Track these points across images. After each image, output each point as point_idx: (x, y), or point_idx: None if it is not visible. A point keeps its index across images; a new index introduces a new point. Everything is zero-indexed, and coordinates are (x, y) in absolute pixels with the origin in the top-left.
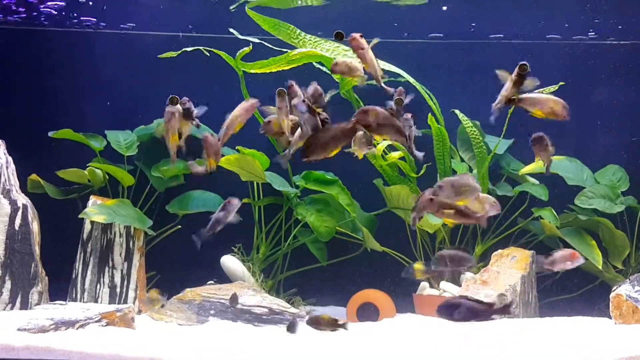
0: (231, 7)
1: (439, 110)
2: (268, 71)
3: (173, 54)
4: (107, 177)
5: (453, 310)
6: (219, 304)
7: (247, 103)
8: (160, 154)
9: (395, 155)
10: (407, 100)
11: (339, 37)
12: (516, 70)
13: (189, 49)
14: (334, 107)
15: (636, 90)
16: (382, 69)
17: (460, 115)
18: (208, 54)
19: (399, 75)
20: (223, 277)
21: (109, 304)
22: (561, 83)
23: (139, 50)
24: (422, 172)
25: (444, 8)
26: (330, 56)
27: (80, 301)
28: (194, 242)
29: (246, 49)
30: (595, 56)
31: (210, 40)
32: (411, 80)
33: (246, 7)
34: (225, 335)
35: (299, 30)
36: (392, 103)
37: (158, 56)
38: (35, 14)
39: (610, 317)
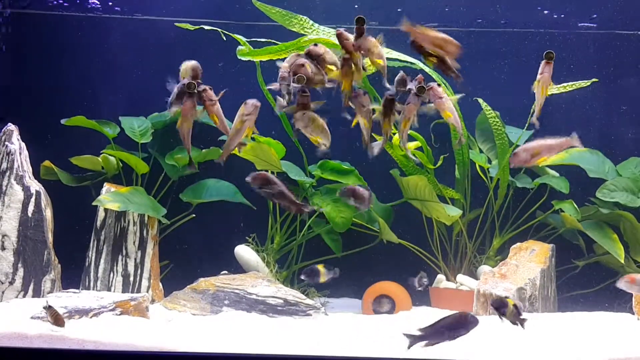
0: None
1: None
2: (276, 58)
3: (190, 27)
4: (120, 164)
5: None
6: (233, 294)
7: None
8: (175, 142)
9: (412, 145)
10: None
11: (360, 23)
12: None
13: (206, 28)
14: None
15: None
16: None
17: (484, 105)
18: (225, 38)
19: (413, 63)
20: (236, 267)
21: (122, 292)
22: (594, 80)
23: (154, 36)
24: (439, 163)
25: None
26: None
27: (93, 290)
28: (207, 231)
29: (245, 49)
30: (618, 47)
31: (226, 27)
32: (427, 69)
33: (253, 0)
34: (239, 325)
35: (311, 22)
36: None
37: (175, 24)
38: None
39: (632, 313)
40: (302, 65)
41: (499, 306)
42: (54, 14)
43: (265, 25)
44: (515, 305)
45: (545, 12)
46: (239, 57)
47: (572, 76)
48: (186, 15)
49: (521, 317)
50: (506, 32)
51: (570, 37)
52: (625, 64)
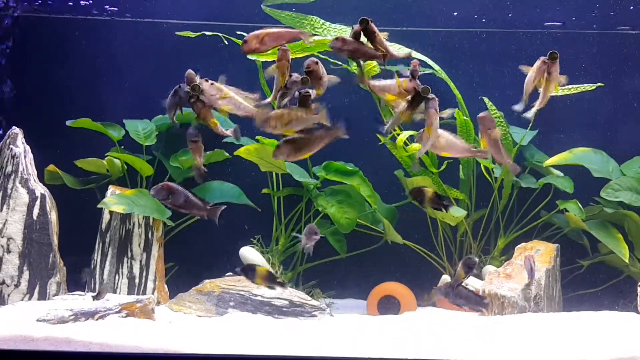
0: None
1: (462, 99)
2: None
3: (191, 34)
4: (125, 166)
5: None
6: (239, 295)
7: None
8: (179, 144)
9: (416, 146)
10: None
11: (363, 24)
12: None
13: (207, 34)
14: (353, 97)
15: None
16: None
17: (489, 104)
18: (226, 42)
19: (424, 62)
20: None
21: (128, 295)
22: (600, 84)
23: (158, 38)
24: (442, 167)
25: None
26: None
27: None
28: (212, 232)
29: None
30: (622, 46)
31: (229, 28)
32: (437, 68)
33: (262, 6)
34: (245, 327)
35: (322, 20)
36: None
37: (176, 33)
38: (52, 2)
39: (638, 312)
40: (316, 62)
41: (417, 195)
42: (59, 17)
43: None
44: (436, 193)
45: (552, 12)
46: (247, 56)
47: (577, 75)
48: (191, 17)
49: (444, 202)
50: (512, 33)
51: (575, 37)
52: (630, 63)
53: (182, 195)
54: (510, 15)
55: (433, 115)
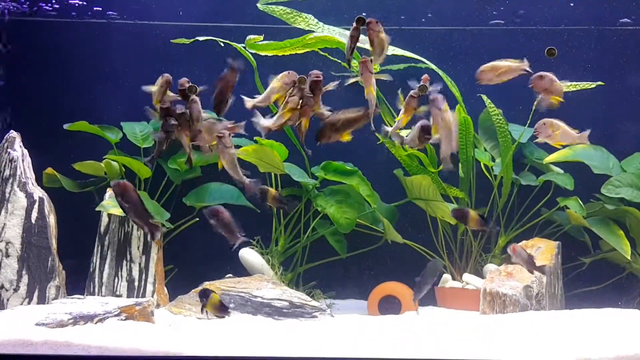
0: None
1: (461, 98)
2: (282, 54)
3: (186, 41)
4: (123, 169)
5: None
6: (238, 297)
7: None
8: (177, 146)
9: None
10: (432, 89)
11: (359, 23)
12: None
13: (201, 38)
14: (352, 95)
15: None
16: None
17: (487, 102)
18: (222, 44)
19: (419, 61)
20: (241, 270)
21: (127, 297)
22: (600, 83)
23: (154, 40)
24: (441, 167)
25: None
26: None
27: (98, 295)
28: (211, 234)
29: (257, 37)
30: (621, 42)
31: (224, 30)
32: (433, 66)
33: (258, 4)
34: (245, 329)
35: (316, 20)
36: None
37: (171, 40)
38: (49, 5)
39: None
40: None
41: (263, 196)
42: (56, 20)
43: (268, 28)
44: (278, 194)
45: (548, 9)
46: (247, 49)
47: (578, 71)
48: (187, 19)
49: (282, 201)
50: (510, 30)
51: (574, 34)
52: (629, 59)
53: (132, 199)
54: (510, 11)
55: (437, 115)
